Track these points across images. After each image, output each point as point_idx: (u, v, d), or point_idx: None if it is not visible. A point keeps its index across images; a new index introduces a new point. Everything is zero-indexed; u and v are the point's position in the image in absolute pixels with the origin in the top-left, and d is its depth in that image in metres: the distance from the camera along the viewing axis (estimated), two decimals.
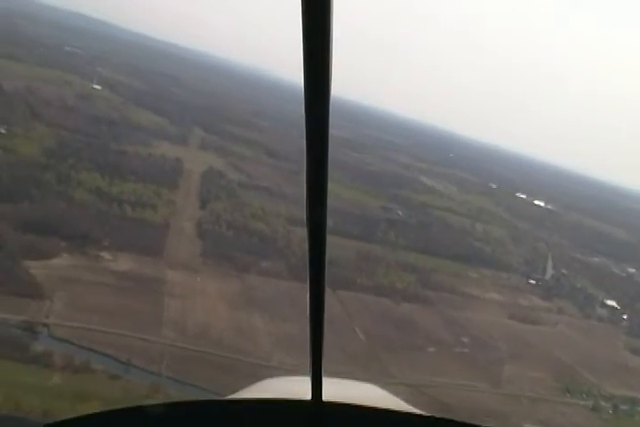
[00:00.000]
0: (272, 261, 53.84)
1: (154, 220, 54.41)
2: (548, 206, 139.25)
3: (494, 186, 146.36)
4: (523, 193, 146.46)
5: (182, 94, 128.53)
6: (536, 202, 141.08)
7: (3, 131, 65.27)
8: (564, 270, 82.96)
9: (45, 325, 35.64)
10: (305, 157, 1.82)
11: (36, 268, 39.12)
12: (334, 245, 62.44)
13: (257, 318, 43.55)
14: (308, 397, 3.32)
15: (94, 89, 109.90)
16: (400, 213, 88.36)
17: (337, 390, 4.24)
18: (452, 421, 3.51)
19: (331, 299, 50.44)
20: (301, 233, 60.97)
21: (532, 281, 75.52)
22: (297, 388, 3.98)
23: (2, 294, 34.63)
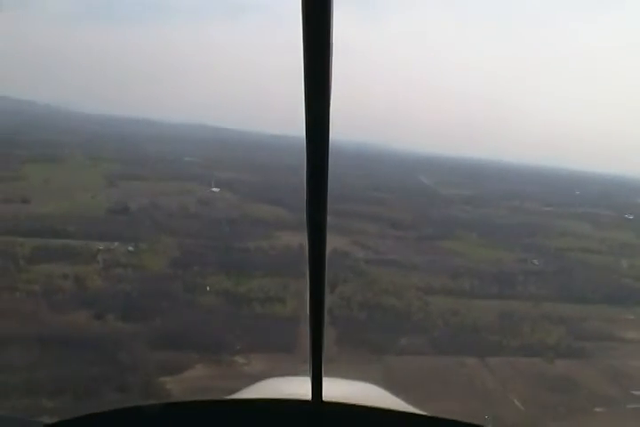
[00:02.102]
0: (411, 338, 51.89)
1: (283, 314, 53.69)
2: None
3: (631, 217, 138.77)
4: None
5: (298, 182, 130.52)
6: None
7: (131, 249, 68.07)
8: None
9: None
10: (305, 156, 1.88)
11: (170, 383, 39.21)
12: (475, 309, 60.00)
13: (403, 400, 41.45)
14: (308, 397, 3.34)
15: (213, 192, 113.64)
16: (536, 262, 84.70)
17: (337, 390, 4.28)
18: (452, 421, 3.48)
19: (479, 368, 47.87)
20: (439, 302, 59.43)
21: None
22: (297, 388, 4.04)
23: None
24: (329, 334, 52.50)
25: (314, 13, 1.52)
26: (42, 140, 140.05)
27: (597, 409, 43.22)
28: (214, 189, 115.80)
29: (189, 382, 39.80)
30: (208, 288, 56.34)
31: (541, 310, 62.68)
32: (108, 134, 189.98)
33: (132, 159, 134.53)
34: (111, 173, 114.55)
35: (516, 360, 49.93)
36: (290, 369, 41.48)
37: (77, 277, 54.75)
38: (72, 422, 3.23)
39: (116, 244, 68.67)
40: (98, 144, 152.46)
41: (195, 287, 56.80)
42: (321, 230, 2.26)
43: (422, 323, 55.54)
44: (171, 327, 46.27)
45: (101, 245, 66.96)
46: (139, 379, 38.64)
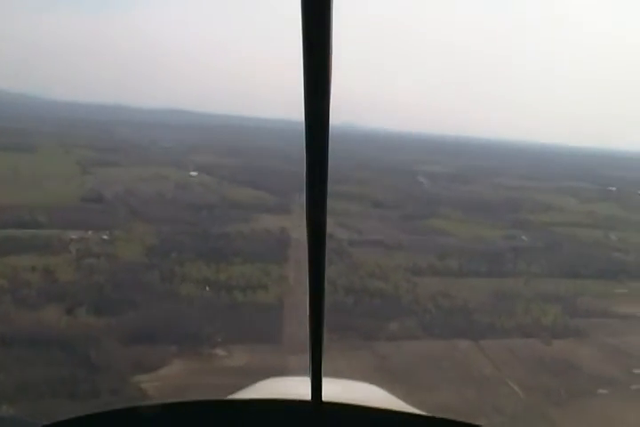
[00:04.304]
0: (401, 322, 49.57)
1: (266, 301, 50.98)
2: None
3: (613, 189, 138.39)
4: None
5: (276, 164, 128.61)
6: None
7: (105, 237, 65.28)
8: None
9: None
10: (305, 156, 1.87)
11: (146, 382, 36.33)
12: (465, 289, 57.99)
13: (398, 390, 38.99)
14: (308, 397, 3.33)
15: (191, 176, 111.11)
16: (524, 238, 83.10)
17: (337, 390, 4.27)
18: (452, 421, 3.41)
19: (473, 351, 45.73)
20: (429, 283, 57.32)
21: None
22: (297, 388, 4.02)
23: None
24: None
25: (314, 13, 1.49)
26: (11, 129, 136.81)
27: (601, 391, 41.04)
28: (192, 174, 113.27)
29: (166, 379, 36.99)
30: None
31: (533, 287, 60.78)
32: (81, 121, 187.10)
33: (106, 146, 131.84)
34: (84, 160, 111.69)
35: (511, 342, 47.76)
36: (274, 362, 39.13)
37: (47, 270, 51.86)
38: (71, 423, 3.14)
39: (90, 232, 65.90)
40: (70, 131, 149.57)
41: (171, 276, 54.02)
42: (321, 230, 2.18)
43: (411, 306, 53.29)
44: (147, 320, 43.42)
45: (74, 235, 64.11)
46: (111, 379, 35.89)
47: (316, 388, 3.24)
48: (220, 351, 41.66)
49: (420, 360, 42.31)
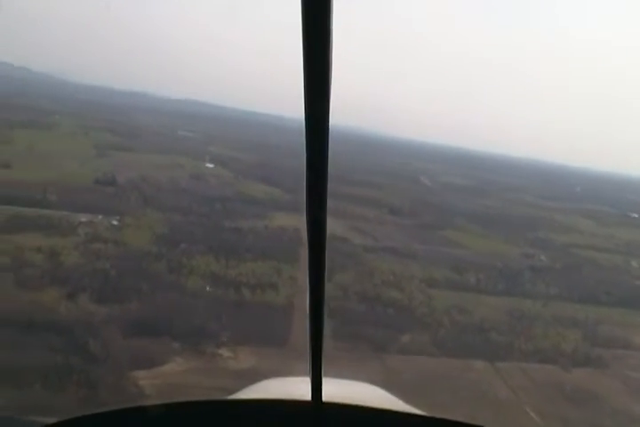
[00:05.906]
0: (414, 335, 47.25)
1: (275, 302, 48.79)
2: None
3: (635, 215, 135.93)
4: None
5: (293, 162, 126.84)
6: None
7: (115, 222, 63.51)
8: None
9: None
10: (305, 156, 1.88)
11: (144, 378, 34.14)
12: (482, 306, 55.77)
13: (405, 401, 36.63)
14: (308, 397, 3.28)
15: (207, 168, 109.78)
16: (543, 258, 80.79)
17: (337, 390, 4.22)
18: (452, 421, 3.39)
19: (489, 374, 43.40)
20: (443, 297, 54.78)
21: None
22: (297, 388, 3.96)
23: None
24: (324, 328, 47.78)
25: (314, 13, 1.50)
26: (34, 107, 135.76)
27: None
28: (208, 165, 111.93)
29: (166, 377, 34.83)
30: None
31: (552, 310, 58.30)
32: (102, 105, 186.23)
33: (125, 130, 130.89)
34: (101, 142, 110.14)
35: (528, 367, 45.24)
36: (280, 366, 36.86)
37: (52, 251, 49.90)
38: (72, 423, 3.16)
39: (100, 217, 64.12)
40: (90, 114, 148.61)
41: (179, 268, 51.91)
42: (321, 229, 2.19)
43: (425, 319, 50.94)
44: (150, 312, 41.28)
45: (84, 218, 62.36)
46: (107, 372, 33.76)
47: (316, 388, 3.18)
48: (225, 352, 39.36)
49: (431, 377, 39.83)
